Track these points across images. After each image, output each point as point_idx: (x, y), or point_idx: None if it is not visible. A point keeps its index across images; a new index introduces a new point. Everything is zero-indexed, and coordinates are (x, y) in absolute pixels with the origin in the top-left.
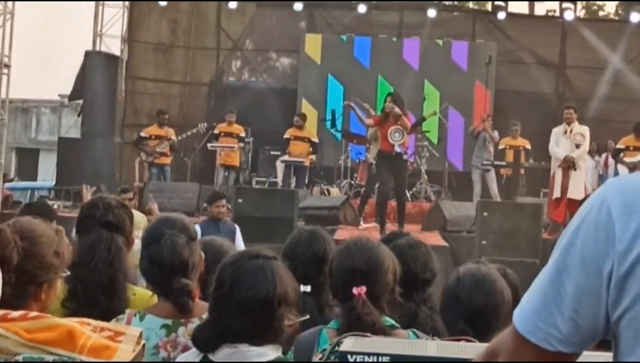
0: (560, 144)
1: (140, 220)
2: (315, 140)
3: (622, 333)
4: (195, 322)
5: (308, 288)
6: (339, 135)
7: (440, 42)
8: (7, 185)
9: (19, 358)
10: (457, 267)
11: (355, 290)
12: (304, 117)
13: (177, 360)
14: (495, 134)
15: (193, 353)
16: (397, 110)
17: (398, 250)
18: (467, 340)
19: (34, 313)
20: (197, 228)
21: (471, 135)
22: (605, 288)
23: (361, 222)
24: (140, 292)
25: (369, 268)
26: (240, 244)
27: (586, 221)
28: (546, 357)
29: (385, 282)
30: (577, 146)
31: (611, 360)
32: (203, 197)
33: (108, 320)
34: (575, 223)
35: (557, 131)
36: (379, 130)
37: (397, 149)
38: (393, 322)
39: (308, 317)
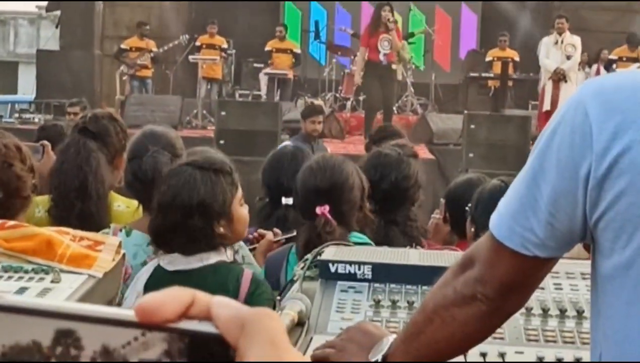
0: (550, 55)
1: None
2: (298, 51)
3: (600, 236)
4: None
5: (290, 201)
6: (323, 46)
7: None
8: None
9: None
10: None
11: (318, 210)
12: (286, 28)
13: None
14: None
15: (152, 262)
16: (393, 18)
17: (383, 163)
18: (451, 249)
19: (12, 223)
20: (289, 144)
21: None
22: (582, 190)
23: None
24: (127, 202)
25: (332, 186)
26: None
27: (562, 123)
28: (523, 262)
29: (350, 199)
30: (568, 57)
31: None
32: (185, 110)
33: (86, 223)
34: (551, 126)
35: (547, 42)
36: (368, 40)
37: (381, 57)
38: (365, 238)
39: (295, 233)
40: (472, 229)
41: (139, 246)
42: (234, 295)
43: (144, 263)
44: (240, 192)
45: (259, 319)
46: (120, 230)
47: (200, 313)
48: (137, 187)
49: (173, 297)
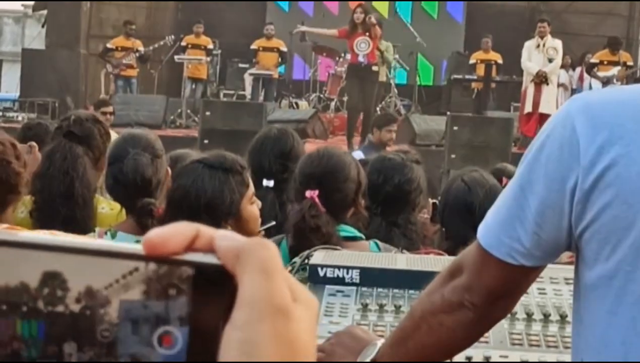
0: (532, 58)
1: None
2: (284, 49)
3: (585, 247)
4: None
5: (271, 183)
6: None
7: None
8: None
9: None
10: (458, 175)
11: (308, 194)
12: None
13: None
14: None
15: None
16: (373, 19)
17: (387, 167)
18: (437, 254)
19: (4, 226)
20: (359, 154)
21: None
22: (568, 203)
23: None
24: (111, 205)
25: (325, 172)
26: None
27: (550, 137)
28: (509, 271)
29: (342, 189)
30: (550, 60)
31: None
32: (170, 110)
33: (71, 229)
34: (539, 140)
35: (529, 45)
36: (347, 42)
37: (361, 59)
38: (355, 232)
39: (273, 223)
40: (439, 227)
41: None
42: None
43: None
44: (251, 191)
45: (252, 248)
46: (106, 233)
47: (204, 246)
48: (119, 190)
49: (178, 231)
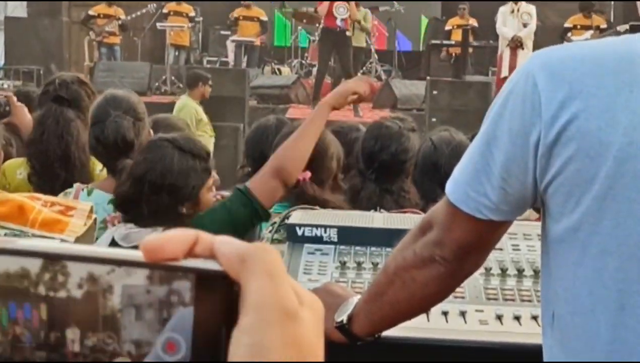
0: (507, 23)
1: None
2: (264, 18)
3: (550, 200)
4: None
5: None
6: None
7: None
8: None
9: None
10: (429, 136)
11: (300, 176)
12: None
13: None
14: None
15: (110, 230)
16: None
17: (384, 134)
18: (414, 213)
19: None
20: None
21: None
22: (532, 157)
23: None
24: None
25: (314, 154)
26: None
27: (513, 93)
28: (478, 226)
29: (329, 167)
30: (525, 25)
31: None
32: (154, 77)
33: None
34: (502, 96)
35: (504, 10)
36: (325, 7)
37: (339, 22)
38: None
39: None
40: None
41: (98, 205)
42: None
43: (103, 221)
44: (212, 180)
45: (257, 253)
46: (82, 190)
47: (204, 252)
48: (100, 150)
49: (178, 236)
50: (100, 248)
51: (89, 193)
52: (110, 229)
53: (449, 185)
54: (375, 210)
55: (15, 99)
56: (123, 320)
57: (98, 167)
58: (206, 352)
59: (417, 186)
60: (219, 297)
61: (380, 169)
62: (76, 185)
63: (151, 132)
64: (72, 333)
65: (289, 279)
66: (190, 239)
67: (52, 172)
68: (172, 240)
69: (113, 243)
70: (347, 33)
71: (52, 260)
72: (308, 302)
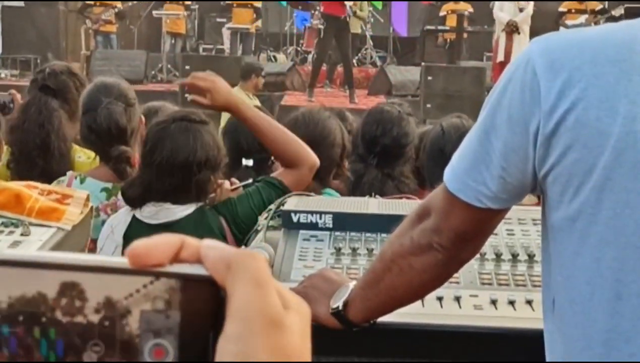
0: (504, 8)
1: None
2: (258, 5)
3: (549, 189)
4: None
5: (250, 163)
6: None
7: None
8: None
9: None
10: (440, 121)
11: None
12: None
13: (108, 219)
14: None
15: (124, 212)
16: None
17: (385, 119)
18: (408, 198)
19: None
20: None
21: None
22: (532, 146)
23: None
24: (87, 153)
25: (314, 140)
26: None
27: (512, 81)
28: (476, 214)
29: (329, 156)
30: (521, 10)
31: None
32: (150, 65)
33: (49, 180)
34: (501, 83)
35: None
36: None
37: (348, 10)
38: (338, 195)
39: (251, 180)
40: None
41: (91, 193)
42: (221, 235)
43: (96, 209)
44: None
45: (243, 259)
46: (75, 178)
47: (190, 257)
48: (93, 138)
49: (163, 242)
50: (84, 256)
51: (82, 181)
52: (110, 216)
53: (447, 173)
54: (375, 196)
55: (19, 96)
56: (141, 346)
57: (77, 154)
58: (193, 358)
59: (423, 170)
60: (206, 302)
61: (381, 154)
62: (69, 173)
63: (143, 118)
64: (89, 357)
65: (275, 283)
66: (176, 244)
67: (31, 161)
68: (158, 245)
69: (136, 221)
70: (347, 19)
71: (26, 268)
72: (294, 306)
